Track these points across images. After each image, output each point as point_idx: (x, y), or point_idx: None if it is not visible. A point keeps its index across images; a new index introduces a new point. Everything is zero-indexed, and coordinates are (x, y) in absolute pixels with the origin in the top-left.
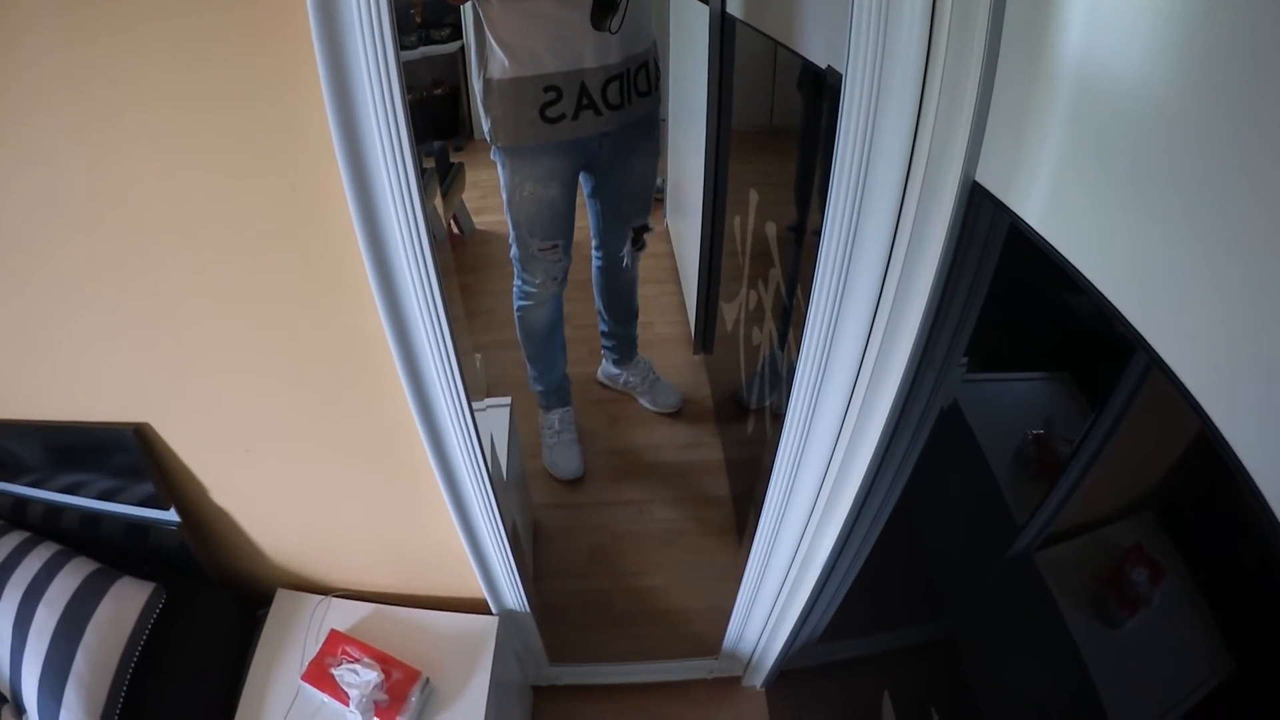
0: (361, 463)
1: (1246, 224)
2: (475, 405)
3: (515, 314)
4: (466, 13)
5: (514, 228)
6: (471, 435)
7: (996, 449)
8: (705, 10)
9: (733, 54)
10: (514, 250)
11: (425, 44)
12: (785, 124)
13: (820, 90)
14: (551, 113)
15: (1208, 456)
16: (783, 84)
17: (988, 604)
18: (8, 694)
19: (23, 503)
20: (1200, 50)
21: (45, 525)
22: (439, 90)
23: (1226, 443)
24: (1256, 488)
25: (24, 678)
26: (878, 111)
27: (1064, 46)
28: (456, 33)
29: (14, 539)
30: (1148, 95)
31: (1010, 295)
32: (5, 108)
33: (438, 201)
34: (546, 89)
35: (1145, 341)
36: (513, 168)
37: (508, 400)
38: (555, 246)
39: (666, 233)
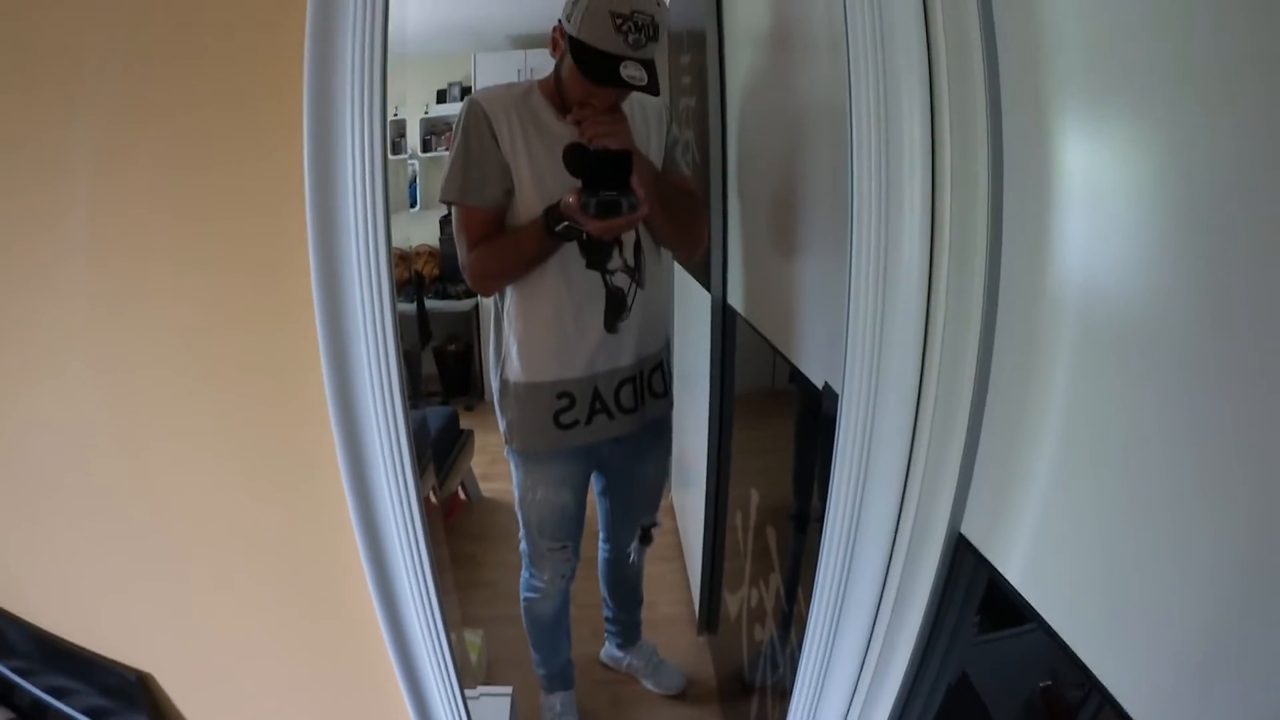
0: None
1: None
2: (475, 692)
3: (521, 603)
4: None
5: (524, 526)
6: None
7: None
8: (704, 293)
9: (734, 341)
10: (523, 545)
11: (441, 298)
12: (784, 407)
13: (810, 398)
14: (565, 419)
15: None
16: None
17: None
18: None
19: (10, 685)
20: (1195, 423)
21: (31, 714)
22: (453, 346)
23: None
24: None
25: None
26: (872, 442)
27: (1049, 405)
28: (471, 291)
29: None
30: (1129, 473)
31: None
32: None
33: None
34: (560, 395)
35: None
36: (525, 470)
37: (508, 690)
38: (565, 547)
39: (671, 507)
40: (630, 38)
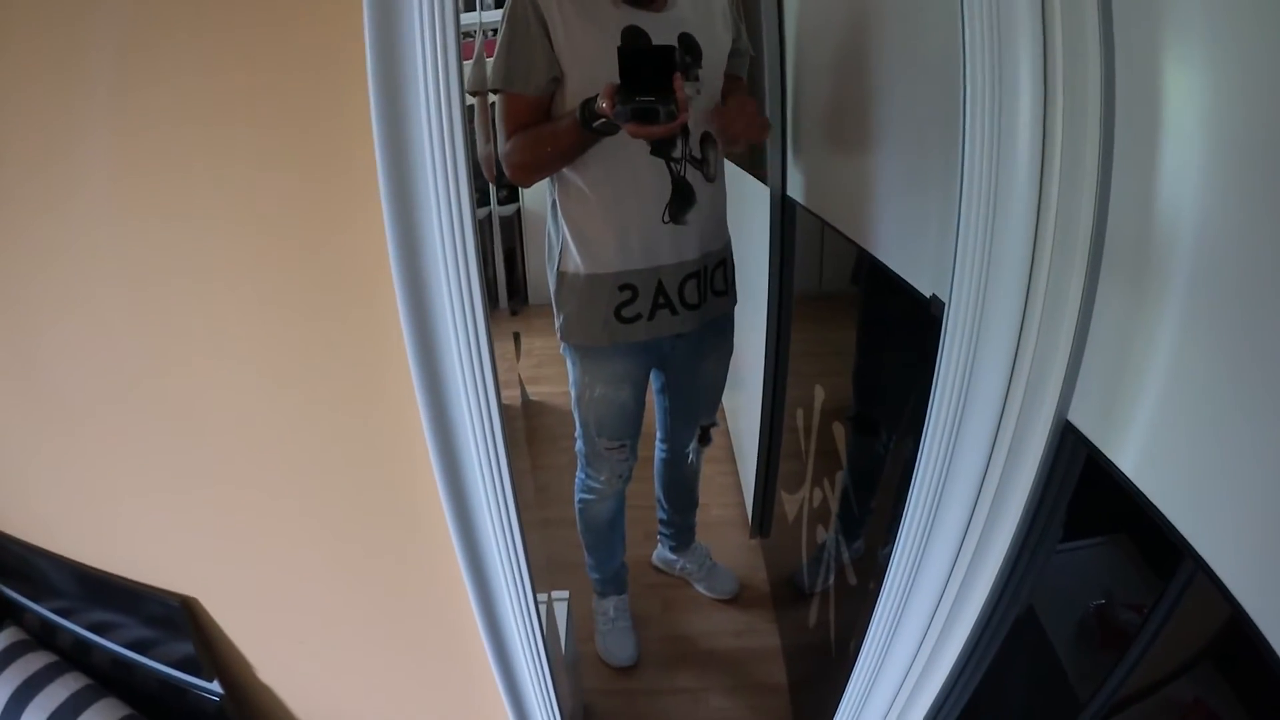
0: (419, 659)
1: None
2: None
3: (576, 506)
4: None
5: (581, 426)
6: (535, 634)
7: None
8: (759, 186)
9: (794, 236)
10: (579, 445)
11: (483, 204)
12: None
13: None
14: (627, 312)
15: None
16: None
17: None
18: None
19: (51, 628)
20: None
21: (74, 654)
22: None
23: None
24: None
25: None
26: (978, 344)
27: (1166, 298)
28: (514, 194)
29: (41, 659)
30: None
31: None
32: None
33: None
34: (622, 287)
35: (1251, 622)
36: (583, 367)
37: (565, 595)
38: (623, 446)
39: (722, 409)
40: None
